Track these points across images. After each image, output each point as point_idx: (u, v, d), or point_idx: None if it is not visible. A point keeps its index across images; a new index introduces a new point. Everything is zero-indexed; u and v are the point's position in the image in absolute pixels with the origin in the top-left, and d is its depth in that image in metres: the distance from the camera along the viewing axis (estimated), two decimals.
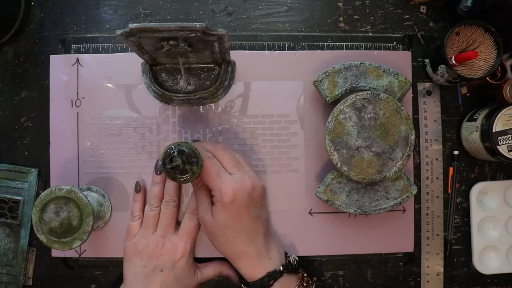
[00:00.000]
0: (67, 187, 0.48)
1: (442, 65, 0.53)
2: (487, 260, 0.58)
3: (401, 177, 0.53)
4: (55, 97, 0.56)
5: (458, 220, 0.59)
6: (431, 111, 0.58)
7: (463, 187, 0.59)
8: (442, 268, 0.58)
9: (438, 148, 0.58)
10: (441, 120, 0.58)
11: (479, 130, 0.54)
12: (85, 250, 0.55)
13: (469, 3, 0.53)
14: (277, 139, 0.56)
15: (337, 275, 0.58)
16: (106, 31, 0.57)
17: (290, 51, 0.57)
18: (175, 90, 0.54)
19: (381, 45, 0.58)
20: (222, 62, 0.53)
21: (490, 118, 0.52)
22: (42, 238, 0.47)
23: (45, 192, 0.48)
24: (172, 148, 0.45)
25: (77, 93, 0.56)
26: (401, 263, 0.58)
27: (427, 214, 0.58)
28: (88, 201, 0.48)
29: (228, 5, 0.58)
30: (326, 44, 0.58)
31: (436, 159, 0.58)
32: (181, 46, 0.43)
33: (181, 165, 0.44)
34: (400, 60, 0.57)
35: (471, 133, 0.55)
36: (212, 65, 0.54)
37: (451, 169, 0.58)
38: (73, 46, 0.56)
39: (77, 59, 0.56)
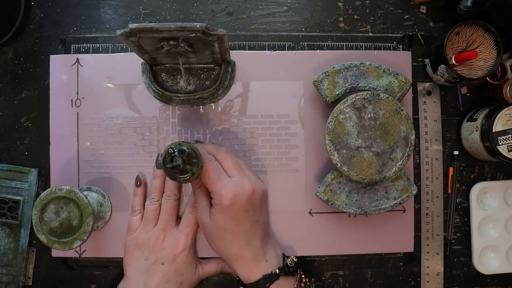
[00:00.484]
0: (67, 187, 0.48)
1: (442, 65, 0.53)
2: (487, 260, 0.58)
3: (401, 177, 0.53)
4: (55, 97, 0.56)
5: (458, 220, 0.59)
6: (431, 111, 0.58)
7: (463, 187, 0.59)
8: (442, 268, 0.58)
9: (438, 148, 0.58)
10: (441, 120, 0.58)
11: (479, 130, 0.54)
12: (85, 250, 0.55)
13: (469, 3, 0.53)
14: (277, 139, 0.56)
15: (337, 275, 0.58)
16: (106, 31, 0.57)
17: (290, 51, 0.57)
18: (175, 90, 0.54)
19: (381, 45, 0.58)
20: (222, 62, 0.53)
21: (490, 118, 0.52)
22: (42, 238, 0.47)
23: (45, 192, 0.48)
24: (173, 148, 0.45)
25: (77, 93, 0.56)
26: (401, 263, 0.58)
27: (427, 214, 0.58)
28: (88, 201, 0.48)
29: (228, 5, 0.58)
30: (326, 44, 0.58)
31: (436, 159, 0.58)
32: (181, 46, 0.43)
33: (181, 165, 0.44)
34: (400, 60, 0.57)
35: (471, 133, 0.56)
36: (212, 65, 0.54)
37: (451, 169, 0.58)
38: (73, 46, 0.56)
39: (77, 59, 0.56)
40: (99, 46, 0.56)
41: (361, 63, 0.53)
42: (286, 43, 0.57)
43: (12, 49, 0.57)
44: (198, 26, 0.40)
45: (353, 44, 0.58)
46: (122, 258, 0.53)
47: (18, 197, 0.55)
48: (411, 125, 0.51)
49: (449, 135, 0.59)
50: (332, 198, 0.53)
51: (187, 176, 0.45)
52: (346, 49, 0.57)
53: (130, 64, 0.55)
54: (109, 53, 0.56)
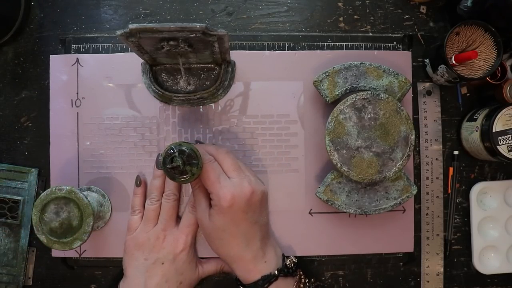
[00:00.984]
0: (67, 187, 0.48)
1: (442, 65, 0.53)
2: (487, 260, 0.58)
3: (401, 177, 0.53)
4: (55, 97, 0.56)
5: (458, 220, 0.59)
6: (431, 111, 0.58)
7: (463, 187, 0.59)
8: (442, 268, 0.58)
9: (438, 148, 0.58)
10: (441, 120, 0.58)
11: (479, 130, 0.54)
12: (85, 250, 0.55)
13: (469, 3, 0.53)
14: (277, 139, 0.56)
15: (337, 275, 0.58)
16: (106, 31, 0.57)
17: (290, 51, 0.57)
18: (175, 90, 0.54)
19: (381, 45, 0.58)
20: (222, 62, 0.53)
21: (490, 118, 0.52)
22: (42, 238, 0.48)
23: (45, 192, 0.48)
24: (173, 148, 0.45)
25: (77, 93, 0.56)
26: (401, 263, 0.58)
27: (427, 214, 0.58)
28: (88, 201, 0.48)
29: (228, 5, 0.58)
30: (326, 44, 0.58)
31: (436, 159, 0.58)
32: (181, 47, 0.43)
33: (181, 165, 0.44)
34: (400, 60, 0.57)
35: (471, 133, 0.55)
36: (212, 65, 0.54)
37: (451, 169, 0.58)
38: (73, 46, 0.56)
39: (77, 59, 0.56)
40: (99, 46, 0.56)
41: (361, 63, 0.53)
42: (286, 43, 0.57)
43: (12, 49, 0.57)
44: (198, 26, 0.40)
45: (353, 44, 0.58)
46: (122, 258, 0.53)
47: (18, 197, 0.55)
48: (411, 125, 0.51)
49: (449, 135, 0.59)
50: (332, 198, 0.53)
51: (186, 177, 0.45)
52: (346, 49, 0.57)
53: (130, 64, 0.55)
54: (109, 53, 0.56)
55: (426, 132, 0.58)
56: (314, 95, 0.56)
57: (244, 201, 0.47)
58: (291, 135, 0.56)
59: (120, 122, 0.56)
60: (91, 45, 0.56)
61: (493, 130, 0.52)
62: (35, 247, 0.56)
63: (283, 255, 0.52)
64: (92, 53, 0.56)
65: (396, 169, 0.51)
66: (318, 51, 0.57)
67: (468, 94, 0.59)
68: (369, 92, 0.51)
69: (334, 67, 0.53)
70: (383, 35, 0.58)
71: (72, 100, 0.56)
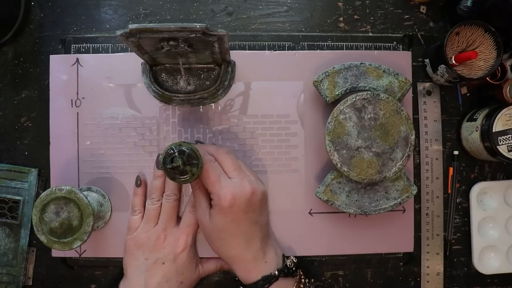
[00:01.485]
0: (67, 187, 0.48)
1: (442, 65, 0.53)
2: (487, 260, 0.58)
3: (401, 177, 0.53)
4: (55, 97, 0.56)
5: (458, 220, 0.59)
6: (431, 111, 0.58)
7: (463, 187, 0.59)
8: (442, 268, 0.58)
9: (438, 148, 0.58)
10: (441, 120, 0.58)
11: (479, 130, 0.54)
12: (85, 250, 0.55)
13: (469, 3, 0.53)
14: (277, 139, 0.56)
15: (337, 275, 0.58)
16: (106, 31, 0.57)
17: (290, 51, 0.57)
18: (175, 90, 0.54)
19: (381, 45, 0.58)
20: (222, 62, 0.53)
21: (490, 118, 0.52)
22: (42, 238, 0.48)
23: (45, 192, 0.48)
24: (173, 148, 0.45)
25: (77, 93, 0.56)
26: (401, 263, 0.58)
27: (427, 214, 0.58)
28: (88, 201, 0.48)
29: (228, 5, 0.58)
30: (326, 44, 0.58)
31: (436, 159, 0.58)
32: (181, 47, 0.43)
33: (181, 166, 0.44)
34: (400, 60, 0.57)
35: (471, 133, 0.56)
36: (212, 65, 0.54)
37: (451, 169, 0.58)
38: (73, 46, 0.56)
39: (77, 59, 0.56)
40: (99, 46, 0.56)
41: (361, 63, 0.53)
42: (286, 43, 0.57)
43: (12, 49, 0.57)
44: (198, 26, 0.40)
45: (353, 44, 0.58)
46: (122, 258, 0.53)
47: (18, 197, 0.55)
48: (411, 125, 0.51)
49: (449, 135, 0.59)
50: (332, 198, 0.53)
51: (187, 177, 0.45)
52: (346, 49, 0.57)
53: (130, 64, 0.55)
54: (109, 53, 0.56)
55: (426, 132, 0.58)
56: (314, 95, 0.56)
57: (244, 201, 0.47)
58: (291, 135, 0.56)
59: (120, 122, 0.56)
60: (91, 45, 0.56)
61: (493, 130, 0.52)
62: (35, 247, 0.56)
63: (283, 255, 0.52)
64: (92, 53, 0.56)
65: (396, 169, 0.51)
66: (318, 51, 0.57)
67: (468, 94, 0.59)
68: (369, 92, 0.51)
69: (334, 67, 0.53)
70: (383, 35, 0.58)
71: (72, 100, 0.56)
